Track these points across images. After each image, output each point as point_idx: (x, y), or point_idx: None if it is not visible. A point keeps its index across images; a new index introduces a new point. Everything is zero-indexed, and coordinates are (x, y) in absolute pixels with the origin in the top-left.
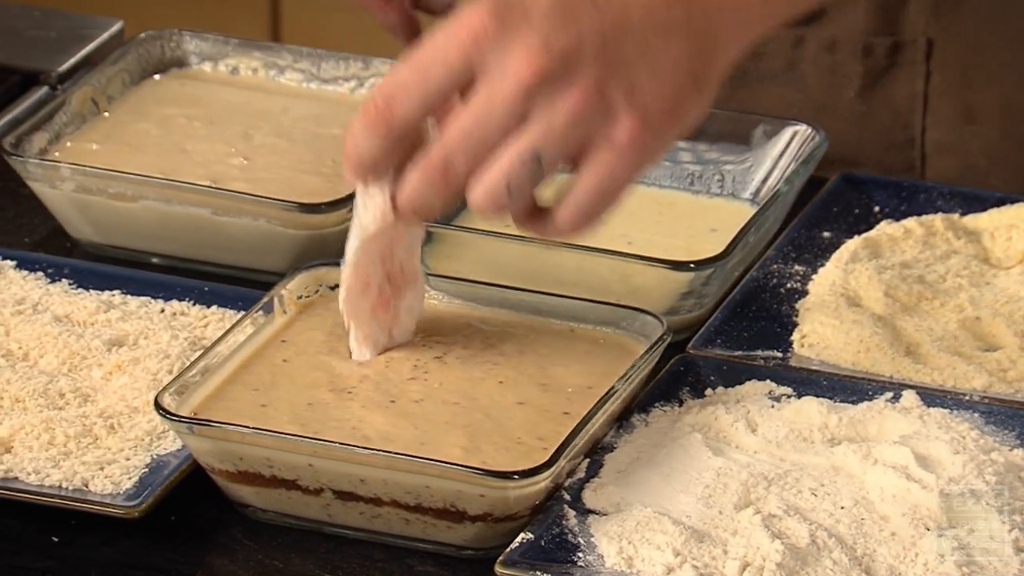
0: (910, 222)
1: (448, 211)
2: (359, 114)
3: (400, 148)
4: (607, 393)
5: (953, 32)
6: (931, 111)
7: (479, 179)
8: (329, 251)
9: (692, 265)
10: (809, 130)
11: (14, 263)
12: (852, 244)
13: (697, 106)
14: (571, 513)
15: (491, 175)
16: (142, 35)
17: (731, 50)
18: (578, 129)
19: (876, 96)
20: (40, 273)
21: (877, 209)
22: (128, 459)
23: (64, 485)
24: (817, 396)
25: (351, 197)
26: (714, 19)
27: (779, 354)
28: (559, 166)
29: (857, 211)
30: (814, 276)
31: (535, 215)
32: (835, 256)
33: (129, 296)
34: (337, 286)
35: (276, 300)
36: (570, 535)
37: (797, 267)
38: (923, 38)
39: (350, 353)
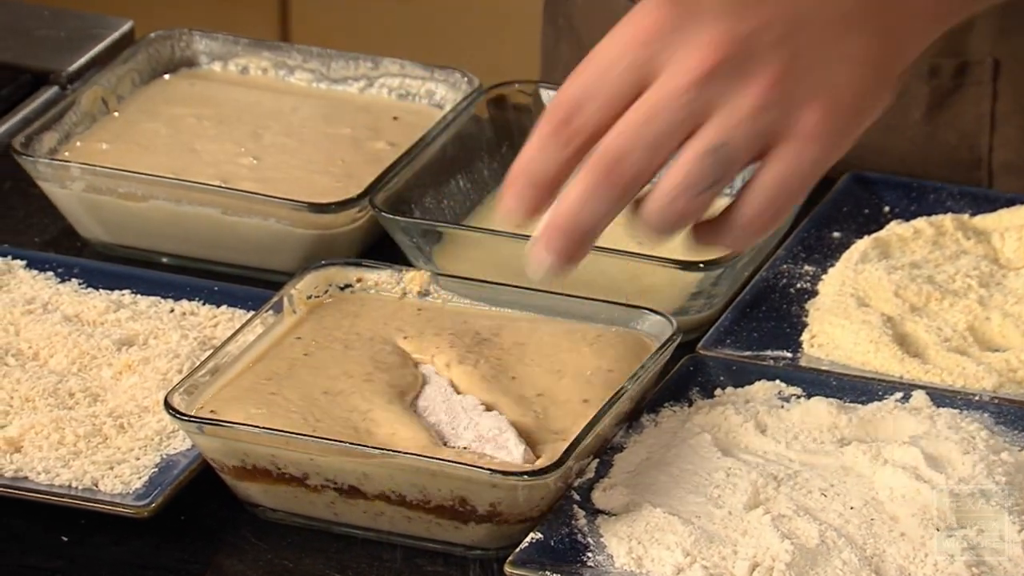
0: (920, 222)
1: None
2: (537, 127)
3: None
4: (616, 392)
5: (1020, 52)
6: (998, 132)
7: (656, 187)
8: (339, 251)
9: (702, 265)
10: None
11: (24, 263)
12: (862, 244)
13: (879, 100)
14: (580, 513)
15: (669, 178)
16: (152, 35)
17: (909, 47)
18: (761, 121)
19: (942, 117)
20: (50, 273)
21: (887, 209)
22: (138, 459)
23: (74, 485)
24: (827, 396)
25: (361, 197)
26: (890, 15)
27: (789, 354)
28: (743, 165)
29: (867, 211)
30: (824, 276)
31: (710, 224)
32: (845, 256)
33: (139, 296)
34: (347, 286)
35: (286, 300)
36: (579, 535)
37: (807, 267)
38: (990, 59)
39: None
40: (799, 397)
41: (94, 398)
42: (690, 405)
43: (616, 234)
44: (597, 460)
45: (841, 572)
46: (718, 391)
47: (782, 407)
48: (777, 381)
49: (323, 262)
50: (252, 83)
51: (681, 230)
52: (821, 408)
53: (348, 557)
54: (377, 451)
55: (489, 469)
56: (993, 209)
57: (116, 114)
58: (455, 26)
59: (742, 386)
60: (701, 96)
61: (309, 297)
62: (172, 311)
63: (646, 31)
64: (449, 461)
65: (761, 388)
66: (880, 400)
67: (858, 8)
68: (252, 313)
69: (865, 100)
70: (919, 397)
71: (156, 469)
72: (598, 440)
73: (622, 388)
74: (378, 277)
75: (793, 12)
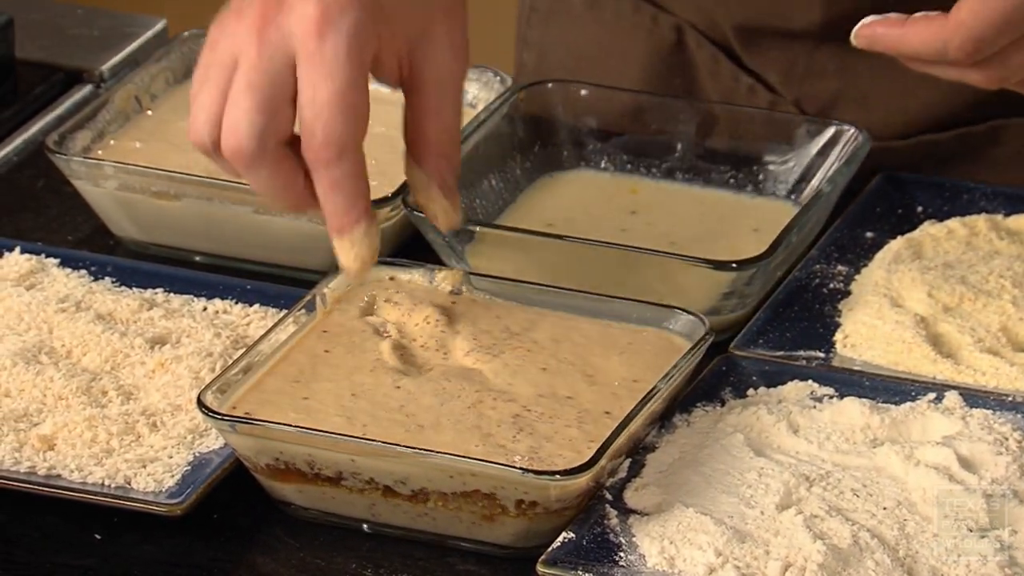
0: (953, 223)
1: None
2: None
3: None
4: (649, 392)
5: None
6: None
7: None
8: None
9: (734, 265)
10: (852, 130)
11: (57, 261)
12: (895, 244)
13: None
14: (612, 513)
15: None
16: (185, 34)
17: None
18: None
19: None
20: (83, 271)
21: (920, 209)
22: (170, 457)
23: (106, 483)
24: (859, 397)
25: (395, 195)
26: None
27: (821, 354)
28: None
29: (900, 211)
30: (857, 276)
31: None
32: (878, 256)
33: (172, 294)
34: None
35: (318, 298)
36: (611, 535)
37: (840, 267)
38: None
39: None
40: (832, 397)
41: (127, 396)
42: (722, 405)
43: (649, 234)
44: (629, 460)
45: (874, 573)
46: (751, 391)
47: (815, 407)
48: (810, 381)
49: None
50: None
51: None
52: (854, 408)
53: (380, 556)
54: (410, 451)
55: (522, 468)
56: None
57: (149, 113)
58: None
59: (775, 386)
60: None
61: (341, 296)
62: (205, 310)
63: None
64: (482, 460)
65: (794, 388)
66: (913, 401)
67: None
68: (285, 312)
69: None
70: (952, 398)
71: (189, 467)
72: (630, 440)
73: (655, 388)
74: (410, 276)
75: None
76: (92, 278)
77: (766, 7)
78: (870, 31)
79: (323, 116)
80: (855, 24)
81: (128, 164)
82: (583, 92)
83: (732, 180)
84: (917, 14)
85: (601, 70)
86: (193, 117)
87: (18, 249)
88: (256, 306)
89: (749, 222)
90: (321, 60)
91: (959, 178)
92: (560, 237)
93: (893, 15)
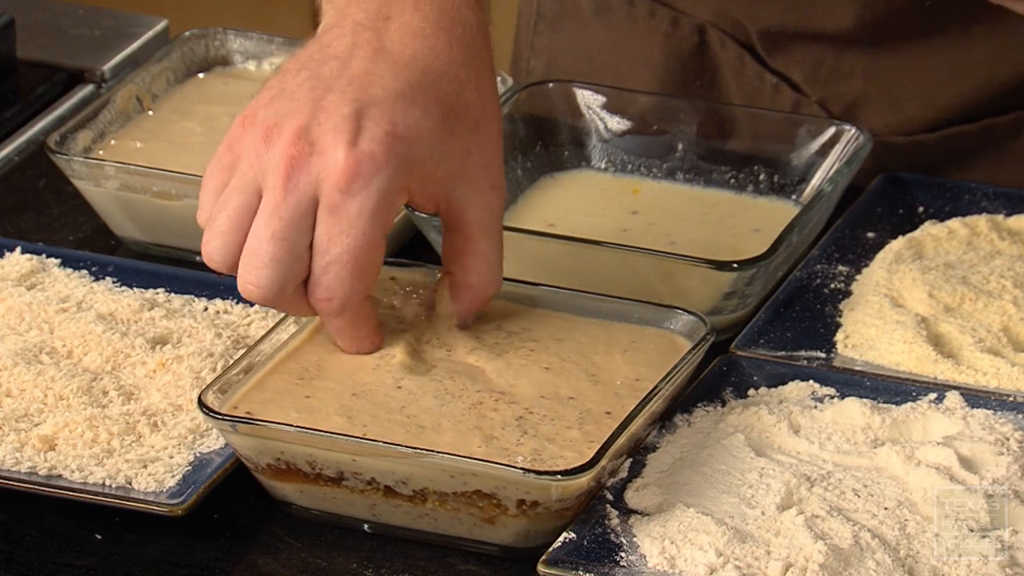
0: (954, 223)
1: None
2: None
3: None
4: (650, 392)
5: None
6: None
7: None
8: None
9: (735, 265)
10: (853, 130)
11: (58, 261)
12: (896, 245)
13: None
14: (613, 513)
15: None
16: (186, 33)
17: None
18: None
19: None
20: (84, 271)
21: (921, 210)
22: (171, 457)
23: (107, 483)
24: (860, 397)
25: None
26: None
27: (822, 355)
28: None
29: (901, 211)
30: (858, 276)
31: None
32: (879, 257)
33: (172, 294)
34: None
35: None
36: (612, 535)
37: (841, 267)
38: None
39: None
40: (833, 398)
41: (128, 396)
42: (723, 405)
43: (650, 234)
44: (630, 460)
45: (875, 573)
46: (751, 391)
47: (815, 407)
48: (811, 381)
49: None
50: None
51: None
52: (855, 409)
53: (381, 556)
54: (412, 451)
55: (523, 469)
56: None
57: (150, 113)
58: None
59: (775, 386)
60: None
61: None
62: (206, 310)
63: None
64: (483, 460)
65: (794, 388)
66: (914, 401)
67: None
68: (285, 312)
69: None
70: (953, 398)
71: (190, 467)
72: (631, 440)
73: (656, 388)
74: (412, 276)
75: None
76: (93, 278)
77: (796, 11)
78: None
79: (332, 271)
80: (885, 26)
81: (129, 164)
82: (584, 92)
83: (733, 180)
84: None
85: (613, 74)
86: (209, 239)
87: (19, 249)
88: (257, 306)
89: (750, 222)
90: (344, 215)
91: (984, 174)
92: (561, 237)
93: None
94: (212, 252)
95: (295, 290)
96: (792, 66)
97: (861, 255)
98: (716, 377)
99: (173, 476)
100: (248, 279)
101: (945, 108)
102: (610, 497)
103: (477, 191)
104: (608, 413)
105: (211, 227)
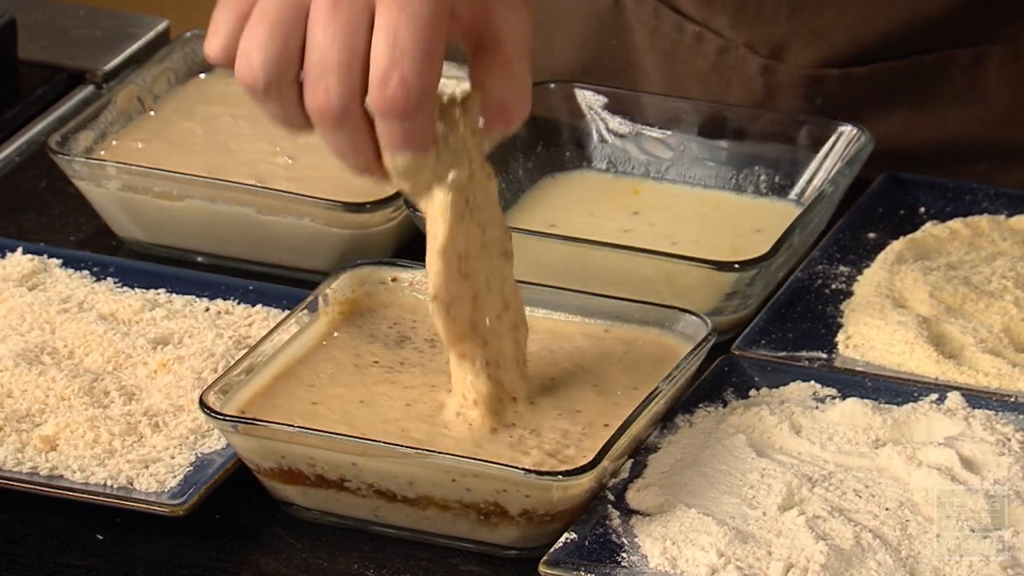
0: (956, 223)
1: None
2: None
3: None
4: (651, 394)
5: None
6: None
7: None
8: (373, 250)
9: (737, 265)
10: (855, 130)
11: (60, 261)
12: (897, 245)
13: None
14: (615, 513)
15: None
16: (188, 34)
17: None
18: None
19: None
20: (85, 272)
21: (923, 210)
22: (173, 457)
23: (109, 483)
24: (862, 397)
25: (396, 196)
26: None
27: (824, 355)
28: None
29: (902, 212)
30: (859, 277)
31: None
32: (880, 257)
33: (174, 295)
34: (381, 283)
35: (321, 299)
36: (614, 535)
37: (842, 268)
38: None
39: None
40: (834, 398)
41: (129, 397)
42: (725, 406)
43: (651, 234)
44: (631, 460)
45: (876, 573)
46: (753, 392)
47: (817, 408)
48: (812, 382)
49: (358, 262)
50: None
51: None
52: (856, 409)
53: (383, 556)
54: (413, 451)
55: (524, 469)
56: None
57: (152, 113)
58: None
59: (777, 387)
60: None
61: (344, 297)
62: (207, 310)
63: None
64: (484, 461)
65: (796, 389)
66: (915, 401)
67: None
68: (287, 312)
69: None
70: (954, 399)
71: (191, 468)
72: (632, 440)
73: (656, 389)
74: (412, 277)
75: None
76: (94, 278)
77: None
78: None
79: (405, 62)
80: None
81: (130, 164)
82: (585, 93)
83: (734, 181)
84: None
85: (541, 36)
86: (249, 53)
87: (20, 249)
88: (258, 306)
89: (751, 223)
90: (407, 4)
91: (908, 114)
92: (562, 238)
93: None
94: (255, 67)
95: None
96: (715, 12)
97: (862, 256)
98: (717, 378)
99: (174, 476)
100: (318, 93)
101: (871, 43)
102: (611, 497)
103: (514, 8)
104: (606, 425)
105: (249, 38)
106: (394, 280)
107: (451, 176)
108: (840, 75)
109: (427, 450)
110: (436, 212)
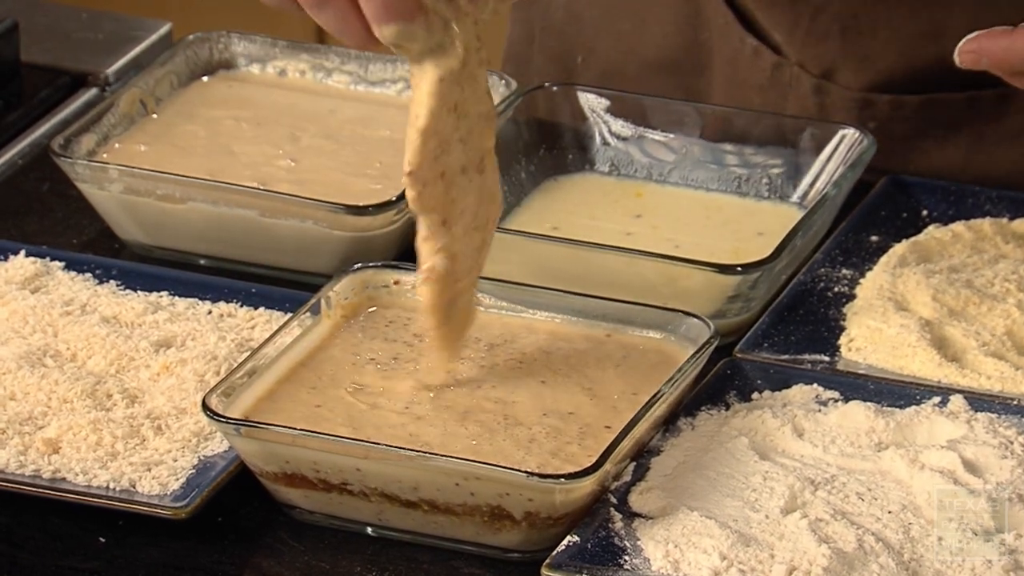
0: (958, 226)
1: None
2: None
3: None
4: (653, 397)
5: None
6: None
7: None
8: (376, 253)
9: (739, 268)
10: (857, 134)
11: (62, 264)
12: (900, 248)
13: None
14: (617, 516)
15: None
16: (190, 37)
17: None
18: None
19: None
20: (88, 274)
21: (925, 213)
22: (175, 460)
23: (111, 486)
24: (864, 400)
25: (398, 199)
26: None
27: (826, 358)
28: None
29: (905, 215)
30: (861, 280)
31: None
32: (883, 260)
33: (177, 297)
34: (384, 286)
35: (323, 302)
36: (616, 538)
37: (844, 271)
38: None
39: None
40: (836, 401)
41: (132, 399)
42: (727, 409)
43: (654, 237)
44: (634, 463)
45: None
46: (755, 395)
47: (819, 411)
48: (814, 385)
49: (360, 264)
50: (290, 85)
51: None
52: (859, 412)
53: (385, 559)
54: (416, 453)
55: (526, 472)
56: None
57: (154, 116)
58: None
59: (779, 390)
60: None
61: (346, 299)
62: (210, 313)
63: None
64: (487, 464)
65: (798, 392)
66: (918, 404)
67: None
68: (290, 315)
69: None
70: (957, 401)
71: (193, 470)
72: (635, 444)
73: (659, 392)
74: (415, 279)
75: None
76: (97, 281)
77: None
78: (975, 45)
79: None
80: None
81: (133, 167)
82: (588, 95)
83: (737, 184)
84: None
85: (634, 18)
86: None
87: (23, 252)
88: (261, 309)
89: (754, 226)
90: None
91: (965, 149)
92: (565, 241)
93: (997, 28)
94: None
95: None
96: (772, 28)
97: (865, 259)
98: (720, 381)
99: (177, 479)
100: None
101: (924, 72)
102: (614, 500)
103: None
104: (607, 427)
105: None
106: (396, 283)
107: (442, 61)
108: (892, 101)
109: (430, 452)
110: (423, 91)
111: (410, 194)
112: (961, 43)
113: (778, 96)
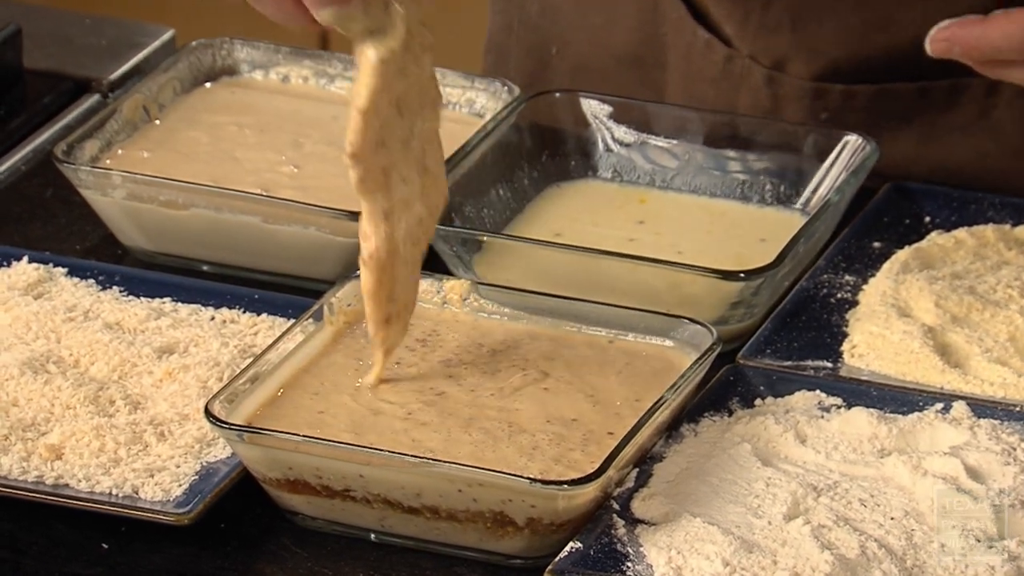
0: (961, 232)
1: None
2: None
3: None
4: (656, 403)
5: None
6: None
7: None
8: None
9: (742, 275)
10: (860, 140)
11: (65, 270)
12: (903, 254)
13: None
14: (620, 523)
15: None
16: (193, 43)
17: None
18: None
19: None
20: (91, 280)
21: (928, 219)
22: (178, 466)
23: (114, 492)
24: (867, 407)
25: None
26: None
27: (829, 364)
28: None
29: (908, 221)
30: (864, 286)
31: None
32: (885, 266)
33: (179, 304)
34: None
35: (326, 308)
36: (619, 545)
37: (847, 277)
38: None
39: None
40: (839, 407)
41: (135, 406)
42: (730, 415)
43: (657, 243)
44: (637, 470)
45: None
46: (758, 401)
47: (822, 417)
48: (817, 391)
49: None
50: (293, 91)
51: None
52: (861, 418)
53: (387, 565)
54: (418, 459)
55: (529, 478)
56: None
57: (157, 122)
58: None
59: (782, 396)
60: None
61: (349, 305)
62: (212, 319)
63: None
64: (490, 470)
65: (801, 398)
66: (920, 411)
67: None
68: (292, 321)
69: None
70: (960, 408)
71: (196, 477)
72: (638, 450)
73: (662, 398)
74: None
75: None
76: (100, 287)
77: None
78: (947, 34)
79: None
80: None
81: (136, 173)
82: (590, 102)
83: (739, 190)
84: (996, 11)
85: (604, 14)
86: None
87: (26, 258)
88: (264, 315)
89: (757, 232)
90: None
91: (916, 140)
92: (567, 247)
93: (968, 17)
94: None
95: None
96: (723, 21)
97: (867, 265)
98: (723, 387)
99: (180, 485)
100: None
101: (874, 62)
102: (616, 507)
103: None
104: (610, 433)
105: None
106: None
107: (382, 42)
108: (844, 91)
109: (432, 459)
110: (364, 71)
111: (353, 176)
112: (932, 31)
113: (731, 88)
